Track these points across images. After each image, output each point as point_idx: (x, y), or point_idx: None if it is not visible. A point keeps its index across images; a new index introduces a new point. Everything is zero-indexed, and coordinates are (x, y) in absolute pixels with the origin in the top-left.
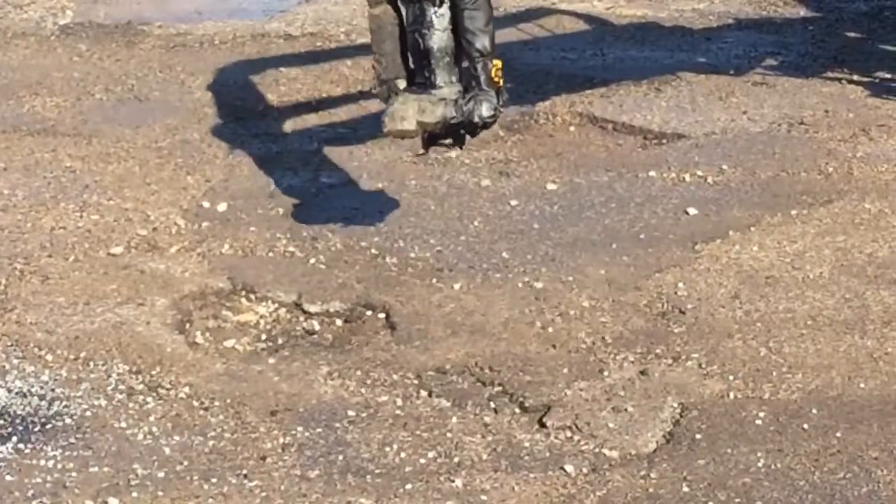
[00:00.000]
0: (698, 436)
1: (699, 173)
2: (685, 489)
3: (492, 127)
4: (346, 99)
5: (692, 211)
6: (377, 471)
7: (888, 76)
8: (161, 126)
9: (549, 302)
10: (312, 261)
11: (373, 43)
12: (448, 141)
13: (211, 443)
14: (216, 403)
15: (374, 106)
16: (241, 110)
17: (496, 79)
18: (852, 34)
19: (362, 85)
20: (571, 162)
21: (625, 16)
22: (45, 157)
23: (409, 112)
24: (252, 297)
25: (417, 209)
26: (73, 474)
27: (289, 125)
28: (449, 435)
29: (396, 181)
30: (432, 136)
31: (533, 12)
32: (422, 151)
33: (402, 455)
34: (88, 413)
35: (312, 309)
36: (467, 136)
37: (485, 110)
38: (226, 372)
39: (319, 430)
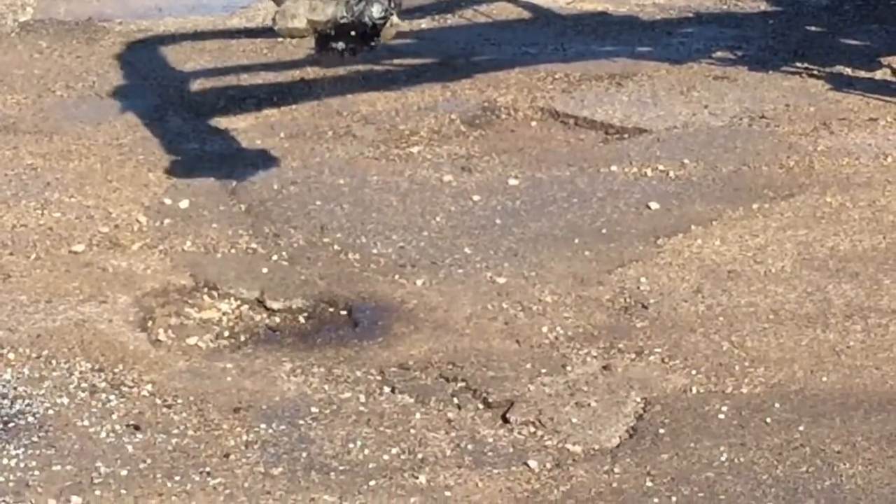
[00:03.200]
0: (661, 430)
1: (661, 168)
2: (649, 484)
3: (377, 38)
4: (308, 94)
5: (654, 205)
6: (341, 467)
7: (848, 70)
8: (122, 123)
9: (511, 297)
10: (275, 257)
11: None
12: (341, 45)
13: (174, 440)
14: (179, 401)
15: (336, 103)
16: (202, 106)
17: None
18: (813, 28)
19: (324, 81)
20: (533, 157)
21: (585, 10)
22: (5, 154)
23: (301, 10)
24: (214, 294)
25: (379, 205)
26: (36, 473)
27: (250, 120)
28: (412, 431)
29: (358, 177)
30: (324, 38)
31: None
32: (318, 56)
33: (366, 451)
34: (51, 411)
35: (275, 305)
36: (362, 45)
37: (375, 11)
38: (188, 369)
39: (283, 426)
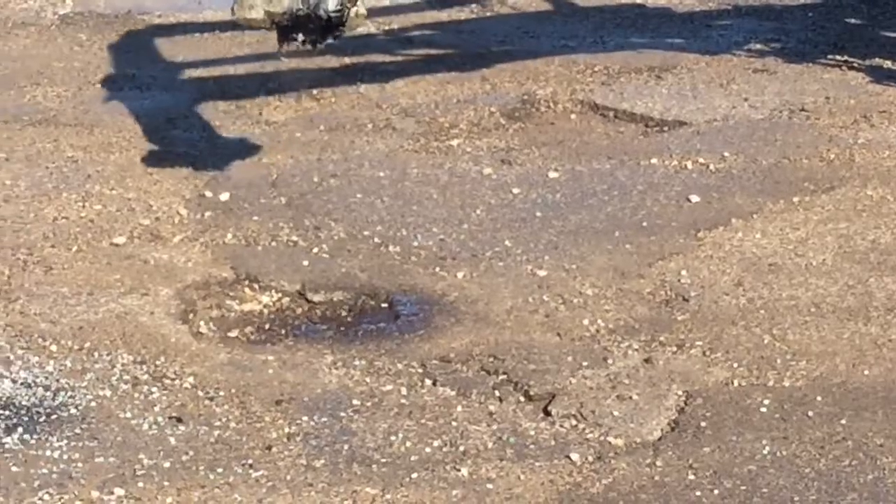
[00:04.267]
0: (703, 423)
1: (701, 160)
2: (691, 477)
3: (340, 29)
4: (347, 87)
5: (694, 198)
6: (383, 460)
7: (889, 62)
8: (162, 115)
9: (552, 290)
10: (315, 250)
11: None
12: (301, 37)
13: (216, 433)
14: (221, 393)
15: (375, 95)
16: (242, 99)
17: None
18: (852, 20)
19: (362, 73)
20: (573, 150)
21: (624, 3)
22: (46, 147)
23: (258, 0)
24: (256, 286)
25: (420, 198)
26: (79, 465)
27: (290, 113)
28: (454, 424)
29: (398, 170)
30: (284, 30)
31: None
32: (278, 47)
33: (408, 444)
34: (93, 403)
35: (316, 298)
36: (323, 37)
37: (331, 4)
38: (230, 361)
39: (324, 419)
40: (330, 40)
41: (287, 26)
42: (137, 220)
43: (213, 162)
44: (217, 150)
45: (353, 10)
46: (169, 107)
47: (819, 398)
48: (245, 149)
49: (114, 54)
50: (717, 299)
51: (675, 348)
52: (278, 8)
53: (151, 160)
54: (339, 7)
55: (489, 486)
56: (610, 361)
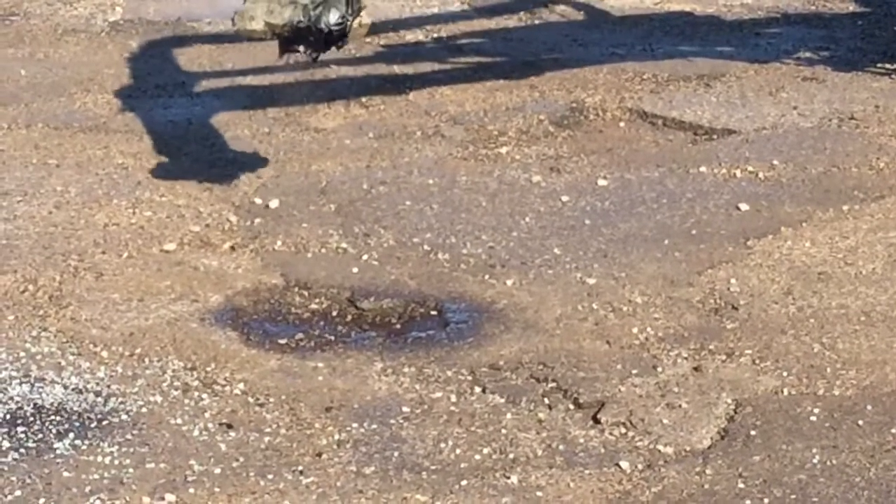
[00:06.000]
0: (753, 432)
1: (750, 169)
2: (740, 485)
3: (343, 40)
4: (396, 95)
5: (744, 206)
6: (432, 467)
7: None
8: (212, 122)
9: (601, 298)
10: (365, 257)
11: None
12: (302, 49)
13: (266, 439)
14: (271, 400)
15: (422, 101)
16: (291, 106)
17: None
18: None
19: (411, 80)
20: (622, 157)
21: (672, 11)
22: (97, 153)
23: (259, 12)
24: (305, 293)
25: (469, 205)
26: (130, 470)
27: (339, 120)
28: (503, 431)
29: (447, 177)
30: (285, 41)
31: (580, 6)
32: (279, 58)
33: (457, 451)
34: (144, 409)
35: (365, 305)
36: (325, 49)
37: (332, 17)
38: (280, 368)
39: (374, 426)
40: (333, 50)
41: (288, 38)
42: (188, 227)
43: (263, 169)
44: (267, 157)
45: (357, 20)
46: (219, 113)
47: (869, 407)
48: (295, 156)
49: (164, 61)
50: (767, 308)
51: (724, 357)
52: (279, 20)
53: (201, 167)
54: (340, 20)
55: (539, 493)
56: (659, 369)
